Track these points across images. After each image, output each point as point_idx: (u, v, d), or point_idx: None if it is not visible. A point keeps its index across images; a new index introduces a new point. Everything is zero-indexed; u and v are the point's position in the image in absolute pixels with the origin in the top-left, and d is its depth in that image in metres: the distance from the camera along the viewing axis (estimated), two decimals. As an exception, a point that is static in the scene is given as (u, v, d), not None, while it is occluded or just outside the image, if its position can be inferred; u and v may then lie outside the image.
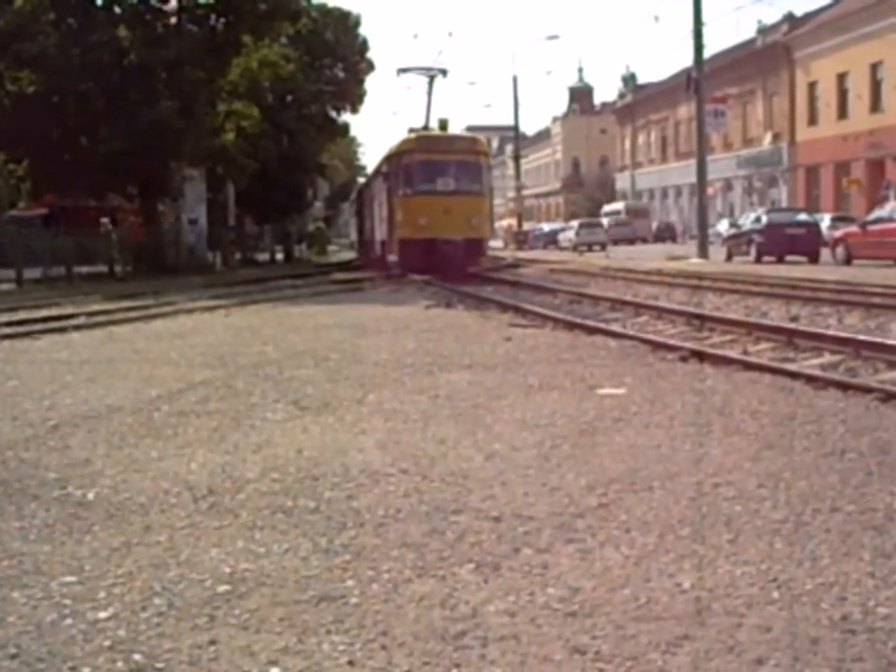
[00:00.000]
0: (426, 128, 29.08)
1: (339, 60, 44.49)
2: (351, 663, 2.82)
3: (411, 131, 29.42)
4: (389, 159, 27.87)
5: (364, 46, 45.86)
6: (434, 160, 25.50)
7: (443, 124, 27.79)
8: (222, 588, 3.40)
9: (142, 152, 26.43)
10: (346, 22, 45.09)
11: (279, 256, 46.33)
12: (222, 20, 29.30)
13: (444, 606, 3.21)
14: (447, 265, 23.92)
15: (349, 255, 52.35)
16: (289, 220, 48.27)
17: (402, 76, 31.68)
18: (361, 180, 56.52)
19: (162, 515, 4.27)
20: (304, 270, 33.02)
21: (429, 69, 31.24)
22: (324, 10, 44.46)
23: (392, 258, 26.77)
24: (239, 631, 3.05)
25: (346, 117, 49.72)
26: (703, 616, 3.09)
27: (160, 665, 2.83)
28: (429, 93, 30.35)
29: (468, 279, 22.37)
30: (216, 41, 28.80)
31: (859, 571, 3.45)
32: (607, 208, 69.36)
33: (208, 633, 3.04)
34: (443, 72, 31.09)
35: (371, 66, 46.43)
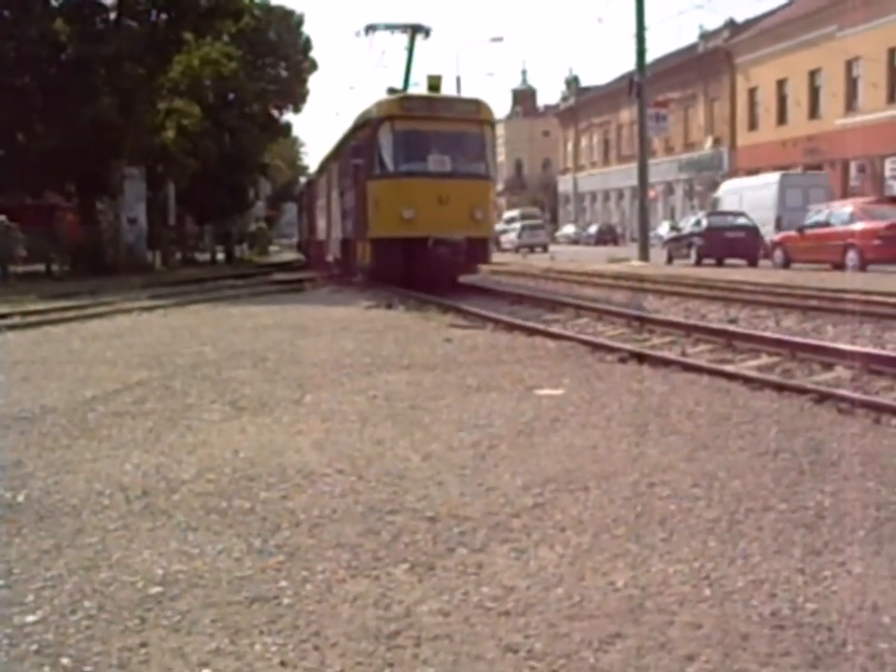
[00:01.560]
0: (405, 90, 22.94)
1: (282, 59, 44.38)
2: (283, 663, 2.80)
3: (390, 91, 22.49)
4: (359, 129, 21.09)
5: (307, 45, 45.81)
6: (424, 130, 19.23)
7: (435, 83, 20.94)
8: (154, 590, 3.36)
9: (80, 149, 26.10)
10: (289, 21, 44.99)
11: (220, 256, 46.07)
12: (163, 16, 29.01)
13: (378, 606, 3.20)
14: (441, 273, 18.93)
15: (291, 255, 52.09)
16: (231, 220, 48.02)
17: (371, 35, 24.97)
18: (304, 180, 56.01)
19: (95, 517, 4.21)
20: (245, 270, 32.81)
21: (408, 25, 24.87)
22: (267, 8, 44.32)
23: (361, 262, 20.77)
24: (170, 633, 3.01)
25: (289, 116, 49.79)
26: (636, 614, 3.11)
27: (88, 669, 2.79)
28: (409, 54, 24.45)
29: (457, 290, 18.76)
30: (156, 38, 28.47)
31: (789, 568, 3.49)
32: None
33: (139, 635, 2.99)
34: (426, 31, 24.75)
35: (314, 65, 46.41)
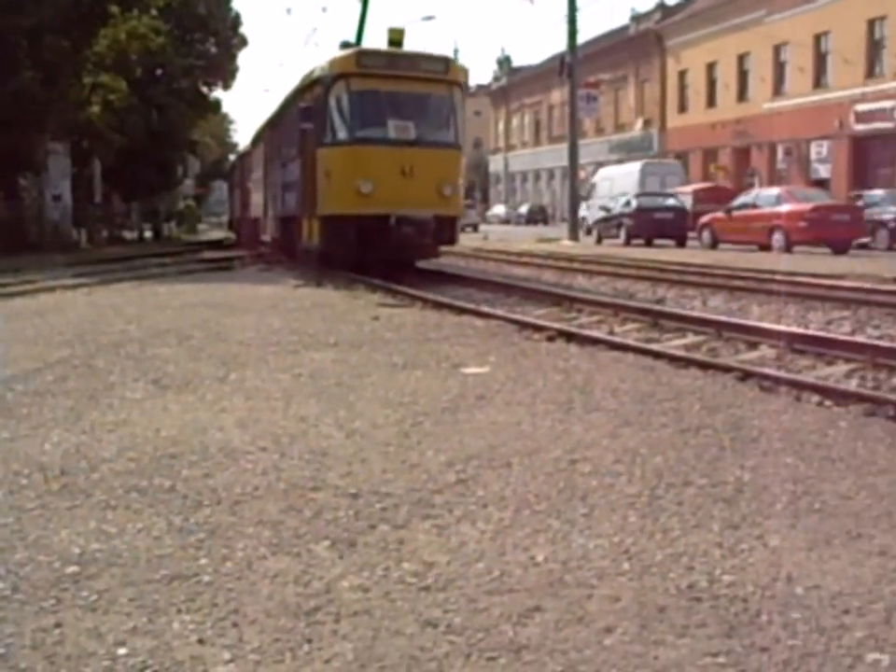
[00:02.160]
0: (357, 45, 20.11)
1: (211, 34, 43.51)
2: (201, 641, 2.78)
3: (344, 46, 19.70)
4: (307, 90, 18.25)
5: (237, 20, 45.02)
6: (384, 90, 16.55)
7: (396, 37, 17.65)
8: (71, 569, 3.31)
9: (2, 124, 25.45)
10: (219, -4, 44.21)
11: (147, 234, 45.53)
12: (87, -13, 28.34)
13: (298, 582, 3.18)
14: (404, 257, 16.83)
15: (220, 234, 51.56)
16: (158, 198, 47.45)
17: None
18: (233, 158, 55.24)
19: (11, 497, 4.13)
20: (173, 248, 32.37)
21: None
22: (195, -18, 43.49)
23: (307, 243, 18.15)
24: (86, 613, 2.97)
25: (218, 93, 48.94)
26: (555, 588, 3.13)
27: (0, 651, 2.73)
28: (364, 4, 22.53)
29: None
30: (81, 10, 27.73)
31: (707, 542, 3.54)
32: None
33: (54, 616, 2.95)
34: None
35: (244, 41, 45.62)
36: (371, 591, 3.11)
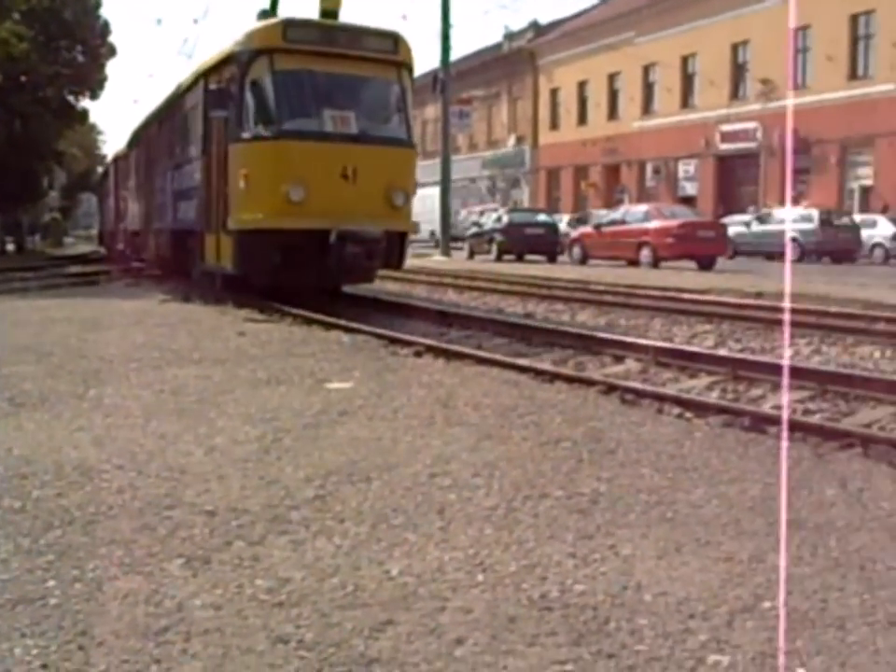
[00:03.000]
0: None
1: (78, 42, 42.42)
2: (45, 666, 2.71)
3: (263, 15, 15.27)
4: (215, 70, 14.37)
5: (106, 29, 44.07)
6: (319, 71, 13.11)
7: (331, 5, 14.06)
8: None
9: None
10: (86, 3, 43.19)
11: (10, 247, 44.28)
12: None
13: (149, 602, 3.13)
14: (346, 282, 14.50)
15: (88, 248, 50.35)
16: (22, 210, 46.12)
17: None
18: (110, 159, 53.83)
19: None
20: (36, 262, 31.44)
21: None
22: (62, -12, 42.44)
23: (214, 264, 14.38)
24: (-77, 641, 2.87)
25: (86, 103, 47.80)
26: (408, 601, 3.15)
27: None
28: None
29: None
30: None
31: (561, 553, 3.60)
32: None
33: None
34: None
35: (112, 51, 44.70)
36: (224, 608, 3.08)
